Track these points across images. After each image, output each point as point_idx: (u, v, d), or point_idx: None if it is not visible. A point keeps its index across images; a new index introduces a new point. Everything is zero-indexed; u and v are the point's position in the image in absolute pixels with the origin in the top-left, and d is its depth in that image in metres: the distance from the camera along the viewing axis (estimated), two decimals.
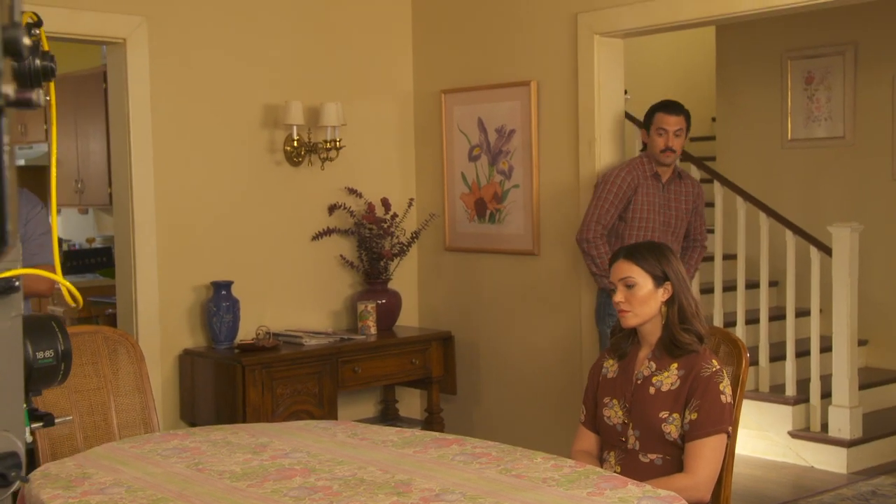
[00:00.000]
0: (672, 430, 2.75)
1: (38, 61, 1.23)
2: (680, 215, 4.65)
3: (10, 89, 0.75)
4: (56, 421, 1.27)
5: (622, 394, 2.87)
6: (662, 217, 4.62)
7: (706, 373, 2.74)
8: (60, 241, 8.24)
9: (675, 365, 2.80)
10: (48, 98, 1.30)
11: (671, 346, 2.81)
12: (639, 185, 4.58)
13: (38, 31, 1.26)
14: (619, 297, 2.86)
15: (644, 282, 2.84)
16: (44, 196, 3.71)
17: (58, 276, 1.24)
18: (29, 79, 1.23)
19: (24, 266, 1.18)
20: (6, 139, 0.75)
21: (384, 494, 2.34)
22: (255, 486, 2.46)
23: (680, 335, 2.80)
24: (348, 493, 2.36)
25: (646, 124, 4.66)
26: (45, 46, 1.28)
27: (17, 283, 1.12)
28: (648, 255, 2.88)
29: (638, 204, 4.58)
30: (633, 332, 2.92)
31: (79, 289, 3.62)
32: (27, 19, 1.24)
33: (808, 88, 6.85)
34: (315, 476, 2.52)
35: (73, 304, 1.28)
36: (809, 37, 6.80)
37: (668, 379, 2.79)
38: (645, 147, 4.72)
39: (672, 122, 4.57)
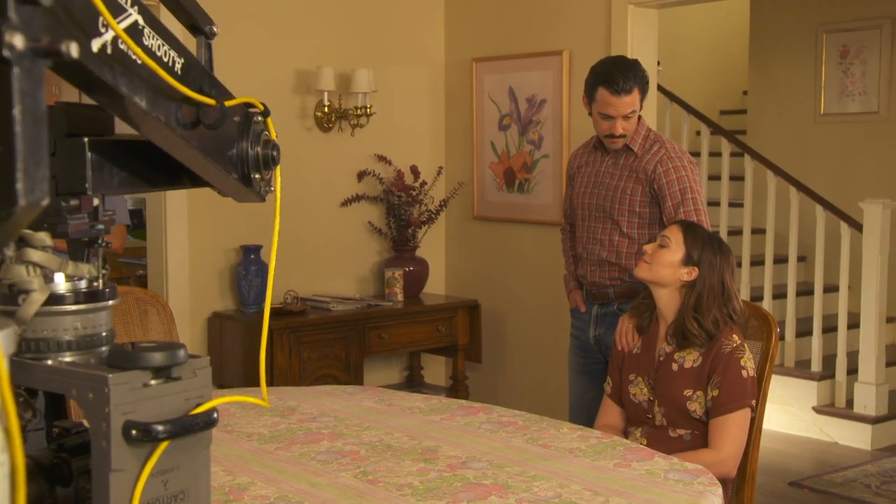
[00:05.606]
0: (697, 407, 2.75)
1: (258, 148, 1.24)
2: (615, 195, 3.53)
3: (18, 39, 0.72)
4: None
5: (646, 371, 2.87)
6: (595, 199, 3.60)
7: (727, 349, 2.74)
8: None
9: None
10: (272, 189, 1.29)
11: (679, 335, 2.81)
12: (580, 164, 3.73)
13: (261, 119, 1.26)
14: (649, 246, 2.89)
15: (676, 249, 2.85)
16: None
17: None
18: (246, 165, 1.23)
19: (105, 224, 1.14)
20: (17, 95, 0.73)
21: (411, 460, 2.36)
22: (282, 448, 2.49)
23: (689, 323, 2.78)
24: (375, 458, 2.38)
25: (587, 95, 3.54)
26: (273, 136, 1.27)
27: (215, 416, 1.06)
28: (698, 235, 2.87)
29: (575, 188, 3.72)
30: (653, 305, 2.92)
31: (111, 250, 3.67)
32: (251, 105, 1.24)
33: (843, 62, 6.77)
34: (342, 441, 2.54)
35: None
36: (845, 10, 6.71)
37: (690, 356, 2.79)
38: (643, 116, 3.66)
39: (620, 106, 3.42)
